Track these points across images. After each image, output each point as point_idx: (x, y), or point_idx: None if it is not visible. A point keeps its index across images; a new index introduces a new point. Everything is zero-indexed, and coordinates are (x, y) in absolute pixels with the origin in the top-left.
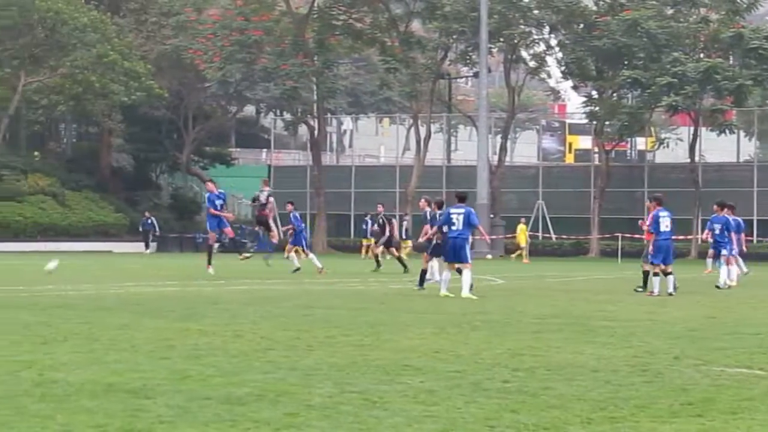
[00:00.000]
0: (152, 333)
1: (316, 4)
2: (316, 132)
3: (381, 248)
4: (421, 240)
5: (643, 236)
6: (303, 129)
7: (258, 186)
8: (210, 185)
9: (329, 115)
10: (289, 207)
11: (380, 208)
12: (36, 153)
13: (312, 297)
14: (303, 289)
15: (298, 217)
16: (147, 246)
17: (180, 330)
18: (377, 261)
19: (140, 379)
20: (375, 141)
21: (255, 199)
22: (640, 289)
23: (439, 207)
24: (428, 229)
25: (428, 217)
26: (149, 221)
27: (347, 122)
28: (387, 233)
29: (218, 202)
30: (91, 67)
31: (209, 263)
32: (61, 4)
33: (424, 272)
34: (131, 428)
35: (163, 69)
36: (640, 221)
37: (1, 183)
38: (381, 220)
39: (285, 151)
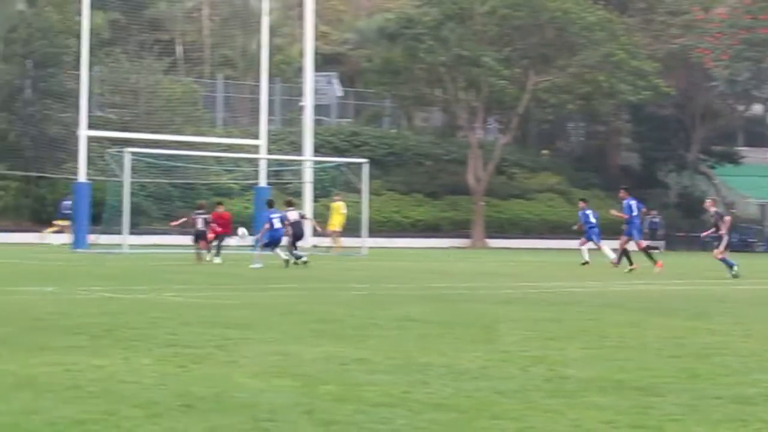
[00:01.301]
0: (661, 331)
1: None
2: None
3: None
4: None
5: None
6: None
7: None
8: (582, 204)
9: None
10: (582, 204)
11: (708, 203)
12: (545, 151)
13: None
14: None
15: (588, 214)
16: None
17: (688, 328)
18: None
19: (649, 376)
20: None
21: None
22: None
23: None
24: None
25: None
26: (655, 220)
27: None
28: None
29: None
30: (598, 66)
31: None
32: (570, 3)
33: None
34: (641, 425)
35: (671, 68)
36: None
37: (511, 181)
38: (713, 218)
39: None
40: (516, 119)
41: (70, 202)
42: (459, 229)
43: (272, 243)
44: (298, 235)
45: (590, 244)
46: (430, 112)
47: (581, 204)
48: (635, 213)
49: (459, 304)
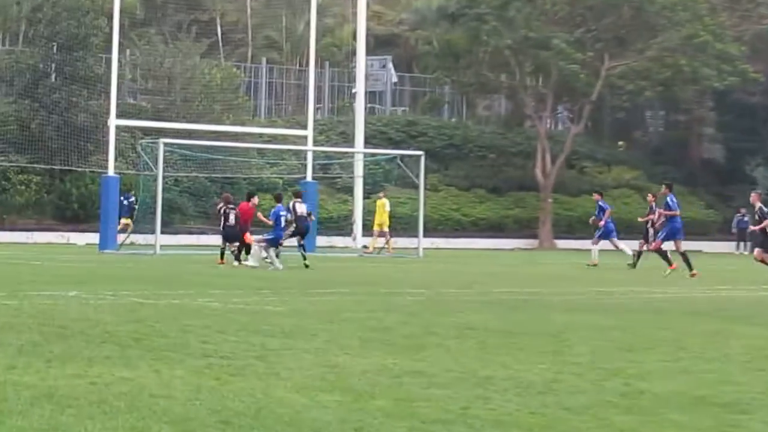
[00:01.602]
0: (746, 341)
1: None
2: None
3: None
4: None
5: None
6: None
7: None
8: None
9: None
10: (596, 196)
11: (753, 196)
12: (620, 143)
13: None
14: None
15: (605, 207)
16: (739, 246)
17: None
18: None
19: (733, 392)
20: None
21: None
22: None
23: None
24: None
25: None
26: (745, 219)
27: None
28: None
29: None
30: (680, 50)
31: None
32: None
33: None
34: None
35: (759, 51)
36: None
37: (583, 176)
38: (758, 215)
39: None
40: (588, 107)
41: (133, 198)
42: (525, 228)
43: (276, 240)
44: (302, 230)
45: (622, 244)
46: (493, 100)
47: (596, 196)
48: (678, 212)
49: (524, 311)
